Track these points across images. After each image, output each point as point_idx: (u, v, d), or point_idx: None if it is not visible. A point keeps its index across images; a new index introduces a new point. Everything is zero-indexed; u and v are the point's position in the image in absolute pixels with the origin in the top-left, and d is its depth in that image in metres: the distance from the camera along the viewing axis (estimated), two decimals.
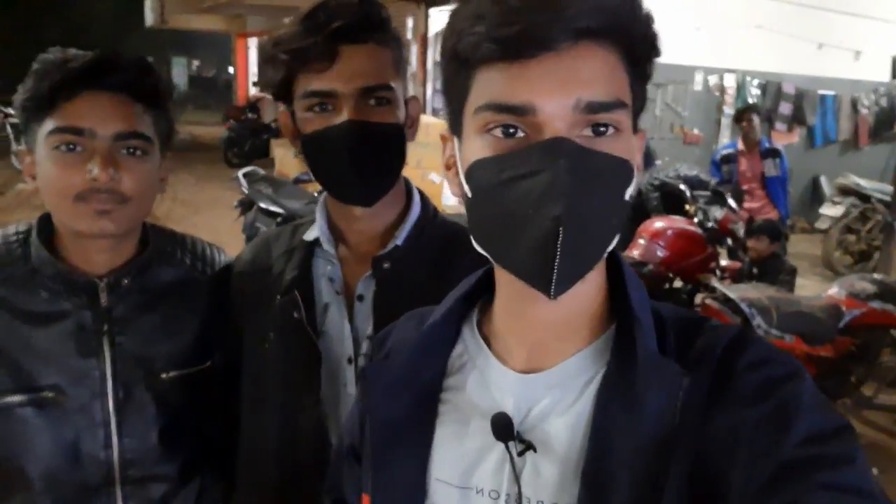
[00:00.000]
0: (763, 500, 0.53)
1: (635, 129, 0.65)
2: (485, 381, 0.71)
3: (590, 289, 0.67)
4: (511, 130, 0.60)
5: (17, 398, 1.03)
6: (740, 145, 5.47)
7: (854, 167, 8.47)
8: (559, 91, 0.57)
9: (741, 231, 4.78)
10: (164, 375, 1.11)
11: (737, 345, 0.62)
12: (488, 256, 0.65)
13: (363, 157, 1.00)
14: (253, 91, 18.19)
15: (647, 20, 0.61)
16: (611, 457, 0.61)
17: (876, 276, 3.90)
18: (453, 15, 0.62)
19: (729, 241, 4.93)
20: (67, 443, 1.05)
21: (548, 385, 0.67)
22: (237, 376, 1.17)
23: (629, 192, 0.62)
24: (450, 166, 0.69)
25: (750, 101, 8.63)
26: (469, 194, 0.64)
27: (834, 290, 3.63)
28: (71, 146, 0.98)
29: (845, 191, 7.02)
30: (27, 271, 1.05)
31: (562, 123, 0.58)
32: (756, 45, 8.31)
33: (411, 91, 1.13)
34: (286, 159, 10.44)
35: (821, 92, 9.22)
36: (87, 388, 1.06)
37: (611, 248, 0.64)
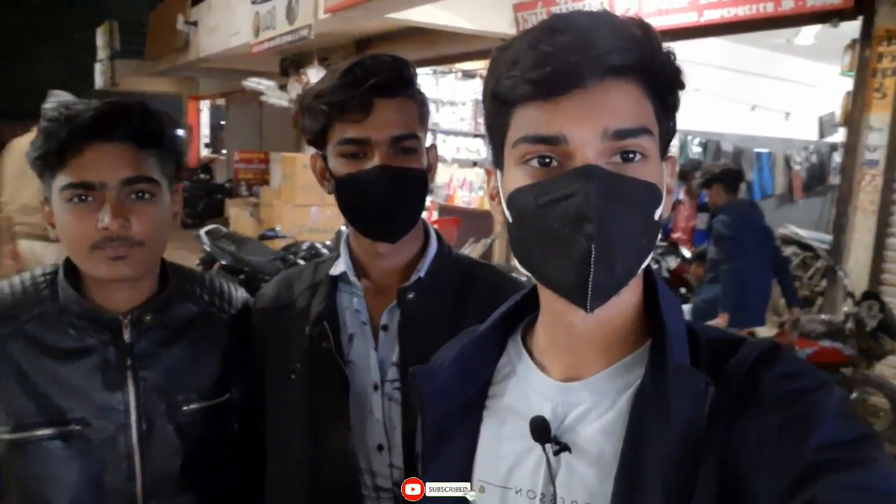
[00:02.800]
0: (785, 502, 0.56)
1: (664, 157, 0.70)
2: (525, 388, 0.76)
3: (625, 306, 0.71)
4: (546, 160, 0.65)
5: (46, 432, 1.05)
6: (682, 196, 5.76)
7: (791, 219, 8.92)
8: (587, 121, 0.63)
9: (695, 280, 4.98)
10: (185, 408, 1.14)
11: (767, 358, 0.64)
12: (530, 275, 0.70)
13: (391, 198, 1.08)
14: (205, 152, 18.17)
15: (668, 56, 0.68)
16: (643, 461, 0.64)
17: (824, 316, 4.11)
18: (493, 60, 0.69)
19: (682, 290, 5.13)
20: (93, 475, 1.07)
21: (584, 393, 0.71)
22: (258, 410, 1.21)
23: (658, 213, 0.67)
24: (493, 196, 0.75)
25: (691, 158, 9.08)
26: (510, 219, 0.69)
27: (787, 330, 3.82)
28: (83, 197, 1.02)
29: (786, 240, 7.38)
30: (55, 310, 1.08)
31: (591, 151, 0.64)
32: (695, 107, 8.80)
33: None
34: (240, 219, 10.37)
35: (756, 150, 9.77)
36: (112, 421, 1.08)
37: (644, 265, 0.68)
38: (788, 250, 7.14)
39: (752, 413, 0.61)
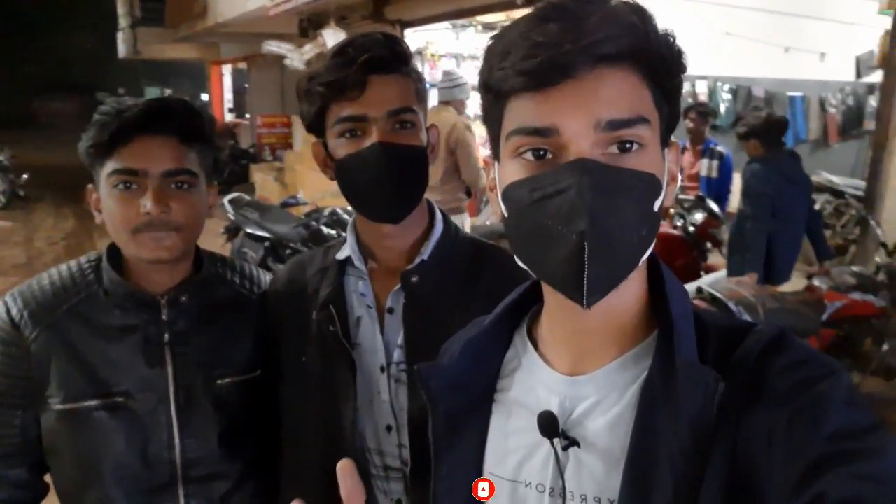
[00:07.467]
0: (795, 496, 0.55)
1: (665, 143, 0.68)
2: (532, 382, 0.75)
3: (628, 298, 0.70)
4: (540, 153, 0.64)
5: (93, 402, 1.15)
6: (687, 142, 5.51)
7: (825, 164, 8.66)
8: (580, 112, 0.62)
9: (723, 235, 4.83)
10: (220, 382, 1.22)
11: (774, 347, 0.64)
12: (528, 269, 0.69)
13: (391, 177, 1.07)
14: (229, 117, 18.22)
15: (665, 40, 0.65)
16: (651, 454, 0.64)
17: (854, 268, 4.00)
18: (487, 51, 0.68)
19: (709, 244, 5.01)
20: (136, 443, 1.16)
21: (591, 386, 0.71)
22: (275, 389, 1.25)
23: (658, 204, 0.66)
24: (492, 188, 0.74)
25: (722, 105, 8.82)
26: (506, 213, 0.69)
27: (815, 284, 3.73)
28: (128, 184, 1.11)
29: (818, 187, 7.16)
30: (101, 292, 1.19)
31: (585, 142, 0.62)
32: (726, 52, 8.51)
33: None
34: (266, 184, 10.45)
35: (790, 93, 9.43)
36: (153, 394, 1.18)
37: (644, 257, 0.67)
38: (821, 198, 6.95)
39: (760, 406, 0.61)
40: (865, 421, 0.58)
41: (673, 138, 0.70)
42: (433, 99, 4.79)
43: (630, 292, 0.70)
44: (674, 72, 0.67)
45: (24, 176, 11.38)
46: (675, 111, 0.69)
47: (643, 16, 0.64)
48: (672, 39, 0.66)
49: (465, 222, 4.79)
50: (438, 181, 4.42)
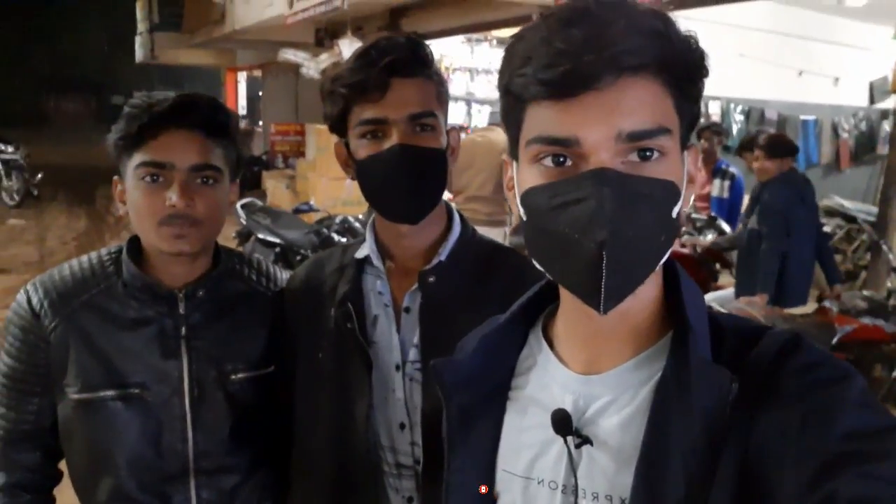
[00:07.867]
0: (807, 495, 0.55)
1: (685, 146, 0.68)
2: (547, 380, 0.76)
3: (645, 299, 0.70)
4: (560, 160, 0.64)
5: (109, 392, 1.17)
6: (700, 161, 5.46)
7: (837, 189, 8.65)
8: (601, 124, 0.62)
9: (732, 257, 4.81)
10: (233, 377, 1.24)
11: (788, 349, 0.64)
12: (545, 272, 0.70)
13: (410, 178, 1.09)
14: (243, 124, 18.33)
15: (688, 46, 0.65)
16: (664, 453, 0.64)
17: (865, 292, 3.99)
18: (507, 52, 0.68)
19: (717, 265, 5.00)
20: (150, 434, 1.18)
21: (605, 386, 0.71)
22: (290, 385, 1.26)
23: (677, 210, 0.66)
24: (510, 188, 0.74)
25: (734, 127, 8.83)
26: (524, 217, 0.69)
27: (826, 307, 3.72)
28: (155, 177, 1.13)
29: (830, 212, 7.14)
30: (119, 284, 1.21)
31: (606, 153, 0.62)
32: (739, 73, 8.52)
33: None
34: (278, 191, 10.49)
35: (802, 117, 9.45)
36: (168, 386, 1.20)
37: (662, 262, 0.67)
38: (832, 223, 6.91)
39: (773, 405, 0.61)
40: (880, 422, 0.58)
41: (691, 142, 0.71)
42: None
43: (646, 294, 0.70)
44: (696, 77, 0.67)
45: (39, 175, 11.45)
46: (697, 113, 0.69)
47: (666, 21, 0.64)
48: (695, 44, 0.66)
49: (506, 235, 4.85)
50: (490, 192, 4.50)
